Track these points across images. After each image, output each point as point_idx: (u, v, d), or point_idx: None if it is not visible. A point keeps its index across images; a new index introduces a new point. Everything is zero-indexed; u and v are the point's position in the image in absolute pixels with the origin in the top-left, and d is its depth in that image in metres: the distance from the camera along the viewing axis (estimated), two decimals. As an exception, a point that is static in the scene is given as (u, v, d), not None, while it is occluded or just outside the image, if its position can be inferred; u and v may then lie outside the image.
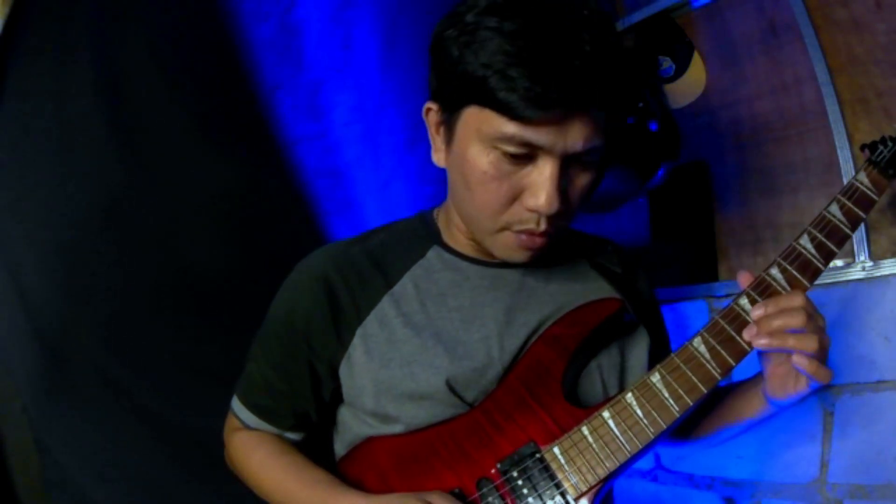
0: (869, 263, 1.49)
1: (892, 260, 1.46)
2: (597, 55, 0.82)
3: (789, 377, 0.92)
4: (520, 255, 0.97)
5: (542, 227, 0.91)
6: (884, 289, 1.47)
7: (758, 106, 1.78)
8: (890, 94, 1.51)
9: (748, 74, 1.79)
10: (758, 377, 1.01)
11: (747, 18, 1.78)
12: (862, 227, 1.51)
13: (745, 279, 0.96)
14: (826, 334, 0.90)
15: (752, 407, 1.04)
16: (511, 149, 0.86)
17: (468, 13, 0.85)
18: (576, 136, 0.85)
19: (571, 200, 0.92)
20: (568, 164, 0.88)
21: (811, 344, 0.86)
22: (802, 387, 0.91)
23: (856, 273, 1.50)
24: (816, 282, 1.51)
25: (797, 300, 0.89)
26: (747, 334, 0.91)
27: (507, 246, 0.96)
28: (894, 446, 1.42)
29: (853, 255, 1.53)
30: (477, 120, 0.87)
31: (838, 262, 1.55)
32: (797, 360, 0.87)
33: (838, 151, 1.58)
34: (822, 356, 0.88)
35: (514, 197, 0.90)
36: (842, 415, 1.51)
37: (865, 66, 1.55)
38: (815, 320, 0.89)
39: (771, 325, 0.88)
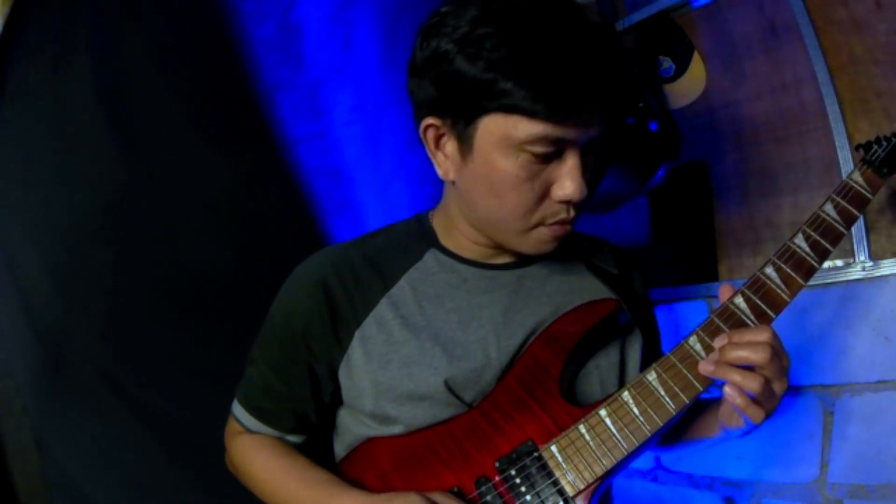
0: (869, 263, 1.49)
1: (892, 260, 1.46)
2: (602, 47, 0.85)
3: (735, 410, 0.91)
4: (550, 246, 0.98)
5: (572, 214, 0.94)
6: (884, 289, 1.47)
7: (758, 106, 1.78)
8: (890, 94, 1.51)
9: (748, 74, 1.79)
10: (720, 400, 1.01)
11: (747, 18, 1.78)
12: (862, 227, 1.51)
13: (725, 292, 0.96)
14: (785, 377, 0.88)
15: (711, 429, 1.05)
16: (541, 149, 0.87)
17: (460, 24, 0.86)
18: (594, 125, 0.88)
19: (586, 183, 0.94)
20: (584, 150, 0.91)
21: (753, 385, 0.84)
22: (742, 422, 0.91)
23: (856, 273, 1.50)
24: (817, 281, 1.54)
25: (763, 335, 0.86)
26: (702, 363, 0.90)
27: (541, 240, 0.97)
28: (894, 446, 1.42)
29: (853, 255, 1.53)
30: (502, 127, 0.87)
31: (838, 262, 1.55)
32: (728, 391, 0.85)
33: (838, 151, 1.58)
34: (766, 398, 0.86)
35: (545, 193, 0.92)
36: (842, 415, 1.51)
37: (865, 66, 1.55)
38: (780, 359, 0.87)
39: (729, 355, 0.86)
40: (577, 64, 0.83)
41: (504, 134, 0.87)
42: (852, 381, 1.50)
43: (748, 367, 0.86)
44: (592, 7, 1.96)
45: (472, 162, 0.92)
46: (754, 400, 0.85)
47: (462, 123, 0.90)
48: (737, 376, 0.85)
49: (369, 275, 1.03)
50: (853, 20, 1.56)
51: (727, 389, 0.86)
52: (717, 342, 0.89)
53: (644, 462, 1.90)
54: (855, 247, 1.52)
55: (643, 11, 1.97)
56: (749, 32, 1.78)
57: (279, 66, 1.70)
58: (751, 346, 0.86)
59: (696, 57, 1.90)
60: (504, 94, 0.83)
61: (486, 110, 0.87)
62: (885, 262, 1.47)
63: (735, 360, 0.86)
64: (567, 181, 0.90)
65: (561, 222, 0.95)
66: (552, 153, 0.88)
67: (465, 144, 0.91)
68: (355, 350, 0.99)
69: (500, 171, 0.90)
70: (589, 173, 0.96)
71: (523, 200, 0.92)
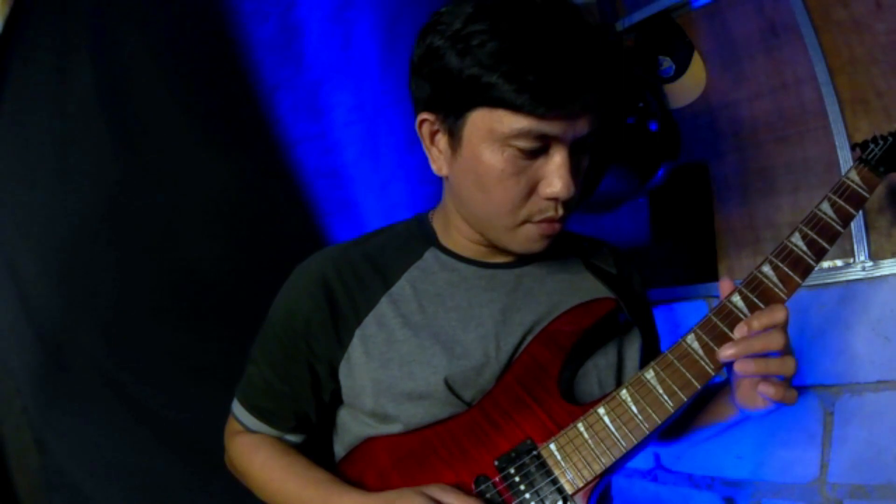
0: (869, 263, 1.49)
1: (892, 260, 1.46)
2: (593, 43, 0.86)
3: (755, 391, 0.92)
4: (539, 245, 0.98)
5: (560, 212, 0.94)
6: (884, 289, 1.47)
7: (758, 106, 1.78)
8: (890, 94, 1.51)
9: (748, 74, 1.80)
10: (727, 384, 1.01)
11: (747, 18, 1.78)
12: (862, 227, 1.51)
13: (725, 286, 0.96)
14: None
15: (723, 413, 1.05)
16: (526, 144, 0.87)
17: (454, 21, 0.87)
18: (583, 123, 0.88)
19: (577, 183, 0.94)
20: (574, 148, 0.91)
21: (789, 368, 0.87)
22: (768, 402, 0.91)
23: (856, 273, 1.50)
24: (817, 281, 1.53)
25: (780, 314, 0.89)
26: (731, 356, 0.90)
27: (529, 238, 0.97)
28: (894, 446, 1.42)
29: (853, 255, 1.53)
30: (488, 121, 0.88)
31: (838, 262, 1.55)
32: (764, 388, 0.87)
33: (838, 151, 1.58)
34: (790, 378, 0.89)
35: (531, 190, 0.92)
36: (842, 415, 1.51)
37: (865, 66, 1.55)
38: (788, 338, 0.89)
39: (752, 347, 0.88)
40: (561, 60, 0.83)
41: (489, 128, 0.88)
42: (852, 381, 1.50)
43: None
44: (592, 7, 1.96)
45: (460, 156, 0.93)
46: (783, 382, 0.87)
47: (452, 118, 0.91)
48: (774, 366, 0.87)
49: (370, 274, 1.03)
50: (853, 20, 1.56)
51: (762, 387, 0.87)
52: (738, 332, 0.90)
53: (644, 462, 1.90)
54: (855, 247, 1.52)
55: (643, 11, 1.98)
56: (749, 32, 1.78)
57: (279, 66, 1.70)
58: (770, 334, 0.88)
59: (696, 57, 1.90)
60: (489, 87, 0.84)
61: (474, 105, 0.88)
62: (885, 262, 1.47)
63: (762, 350, 0.87)
64: (554, 178, 0.90)
65: (549, 220, 0.95)
66: (538, 149, 0.89)
67: (455, 139, 0.93)
68: (356, 349, 0.99)
69: (486, 166, 0.90)
70: (582, 174, 0.96)
71: (509, 196, 0.92)
